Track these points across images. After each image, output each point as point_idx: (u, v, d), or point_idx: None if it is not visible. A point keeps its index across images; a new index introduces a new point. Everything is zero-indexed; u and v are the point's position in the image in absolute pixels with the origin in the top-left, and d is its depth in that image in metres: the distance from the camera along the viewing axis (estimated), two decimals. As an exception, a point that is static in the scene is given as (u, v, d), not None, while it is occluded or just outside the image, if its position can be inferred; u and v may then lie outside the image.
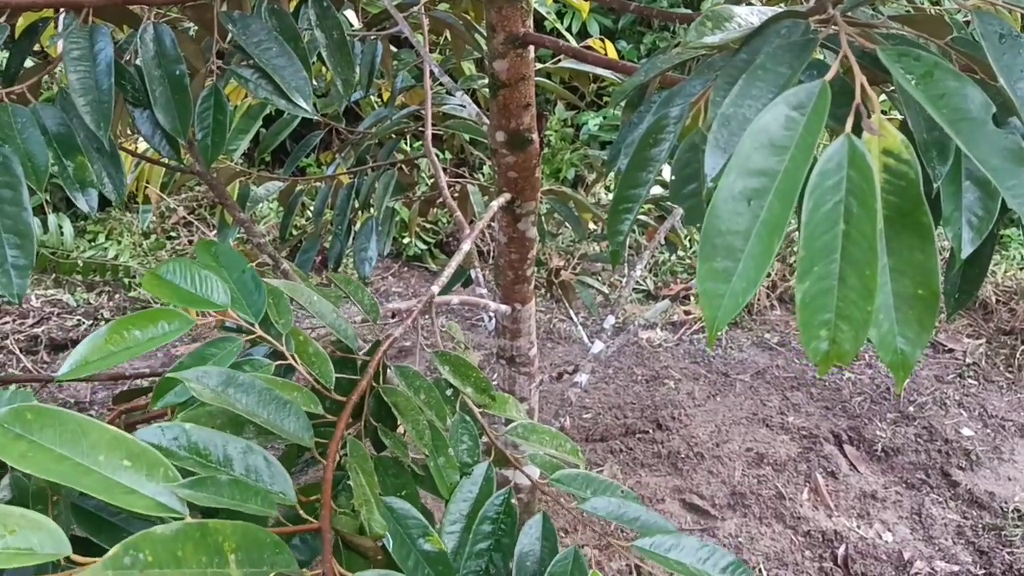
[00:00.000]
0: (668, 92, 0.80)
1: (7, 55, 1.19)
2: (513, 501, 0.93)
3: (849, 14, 0.78)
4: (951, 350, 3.37)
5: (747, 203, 0.53)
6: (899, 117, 0.71)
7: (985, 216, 0.71)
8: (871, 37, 0.65)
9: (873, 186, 0.49)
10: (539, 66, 2.06)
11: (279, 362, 0.93)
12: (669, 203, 2.13)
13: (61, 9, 1.14)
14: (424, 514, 0.84)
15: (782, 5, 1.87)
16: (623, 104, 1.10)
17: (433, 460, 0.93)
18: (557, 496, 1.06)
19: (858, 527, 2.50)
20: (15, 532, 0.54)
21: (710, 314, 0.54)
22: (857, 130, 0.52)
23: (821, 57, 0.73)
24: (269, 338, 0.93)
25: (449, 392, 1.02)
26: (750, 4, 1.71)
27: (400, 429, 0.93)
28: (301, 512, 0.75)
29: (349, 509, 0.80)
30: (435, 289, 1.15)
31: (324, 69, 2.12)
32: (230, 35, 1.15)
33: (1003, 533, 2.46)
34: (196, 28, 1.30)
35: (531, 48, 1.30)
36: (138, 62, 1.10)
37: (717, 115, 0.60)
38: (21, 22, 1.33)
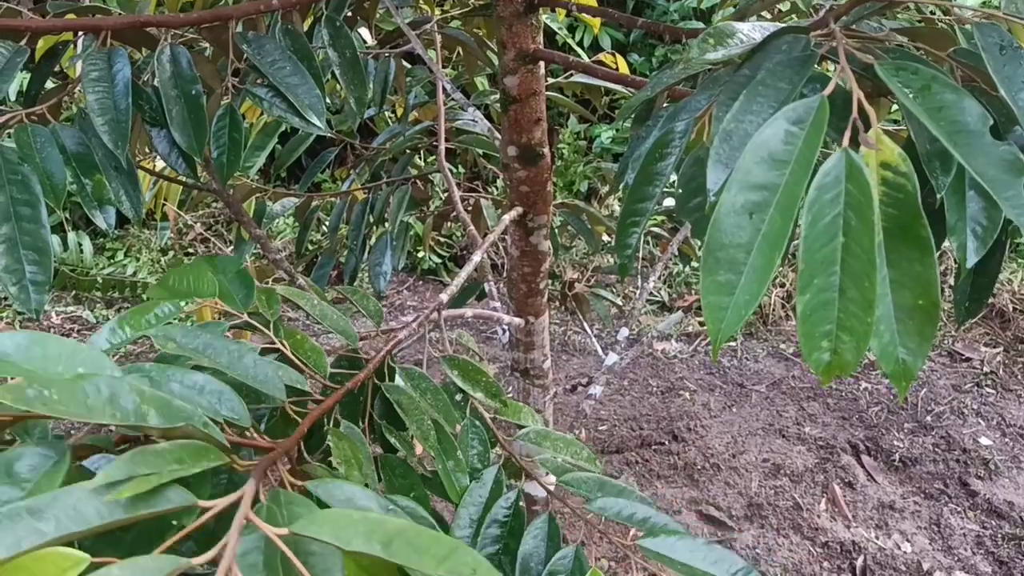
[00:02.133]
0: (674, 107, 0.81)
1: (28, 77, 1.21)
2: (522, 504, 0.93)
3: (853, 27, 0.79)
4: (968, 359, 3.36)
5: (748, 217, 0.54)
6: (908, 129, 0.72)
7: (989, 226, 0.71)
8: (871, 51, 0.66)
9: (871, 199, 0.50)
10: (551, 80, 2.08)
11: (266, 345, 0.92)
12: (681, 215, 2.14)
13: (80, 32, 1.17)
14: (435, 518, 0.84)
15: (793, 17, 1.88)
16: (632, 118, 1.11)
17: (441, 463, 0.93)
18: (564, 503, 1.06)
19: (876, 538, 2.48)
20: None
21: (714, 327, 0.55)
22: (855, 144, 0.53)
23: (830, 70, 0.74)
24: (255, 323, 0.93)
25: (459, 397, 1.02)
26: (762, 18, 1.73)
27: (409, 433, 0.93)
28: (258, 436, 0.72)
29: (326, 467, 0.79)
30: (443, 298, 1.16)
31: (338, 86, 2.15)
32: (245, 55, 1.17)
33: (1023, 543, 2.44)
34: (212, 49, 1.32)
35: (541, 64, 1.31)
36: (155, 83, 1.12)
37: (719, 130, 0.61)
38: (41, 45, 1.36)
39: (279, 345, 0.91)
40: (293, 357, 0.90)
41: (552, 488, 1.05)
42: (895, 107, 0.98)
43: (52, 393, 0.53)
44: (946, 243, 0.75)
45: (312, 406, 0.86)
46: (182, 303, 0.87)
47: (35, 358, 0.62)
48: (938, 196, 0.68)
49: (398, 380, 0.97)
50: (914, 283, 0.52)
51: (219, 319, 0.94)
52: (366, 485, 0.77)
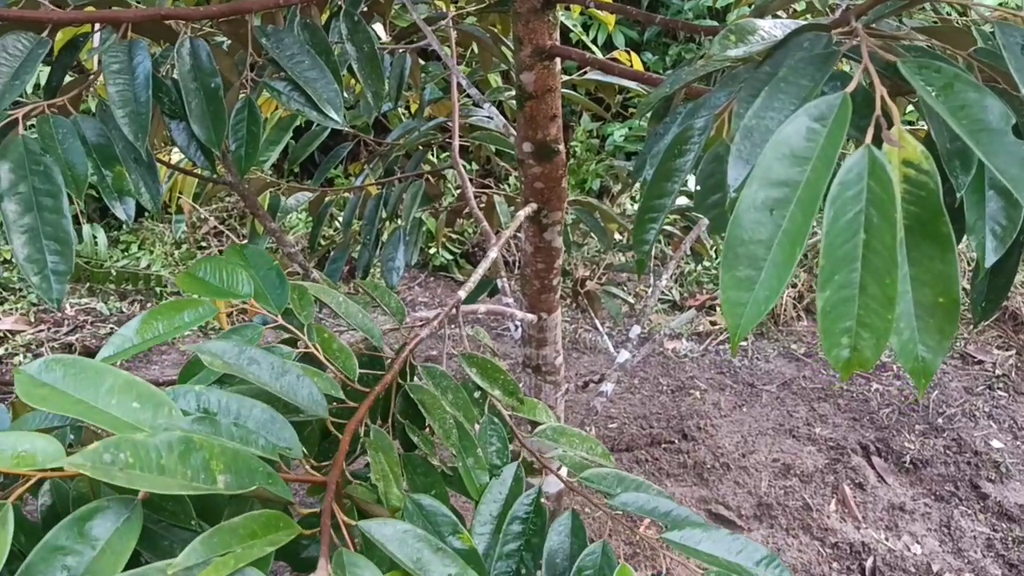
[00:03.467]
0: (693, 104, 0.81)
1: (49, 69, 1.22)
2: (543, 501, 0.94)
3: (873, 26, 0.79)
4: (980, 362, 3.34)
5: (769, 213, 0.55)
6: (927, 127, 0.72)
7: (1009, 225, 0.71)
8: (893, 49, 0.66)
9: (893, 196, 0.50)
10: (565, 78, 2.08)
11: (301, 350, 0.94)
12: (695, 213, 2.14)
13: (100, 24, 1.17)
14: (455, 515, 0.85)
15: (808, 17, 1.87)
16: (649, 115, 1.11)
17: (462, 460, 0.94)
18: (586, 499, 1.06)
19: (886, 539, 2.48)
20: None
21: (733, 322, 0.55)
22: (878, 141, 0.53)
23: (847, 69, 0.74)
24: (291, 327, 0.94)
25: (477, 394, 1.03)
26: (779, 16, 1.73)
27: (428, 430, 0.94)
28: (308, 470, 0.75)
29: (367, 484, 0.81)
30: (461, 294, 1.16)
31: (352, 81, 2.15)
32: (264, 49, 1.17)
33: (1034, 547, 2.44)
34: (231, 42, 1.33)
35: (557, 60, 1.32)
36: (175, 75, 1.13)
37: (740, 127, 0.61)
38: (61, 37, 1.37)
39: (311, 349, 0.93)
40: (325, 361, 0.92)
41: (568, 482, 1.05)
42: (910, 108, 0.98)
43: (128, 456, 0.55)
44: (961, 244, 0.75)
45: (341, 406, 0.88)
46: (218, 302, 0.88)
47: (87, 389, 0.64)
48: (958, 195, 0.68)
49: (419, 378, 0.98)
50: (935, 281, 0.52)
51: (240, 319, 0.95)
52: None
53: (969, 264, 3.33)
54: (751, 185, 0.55)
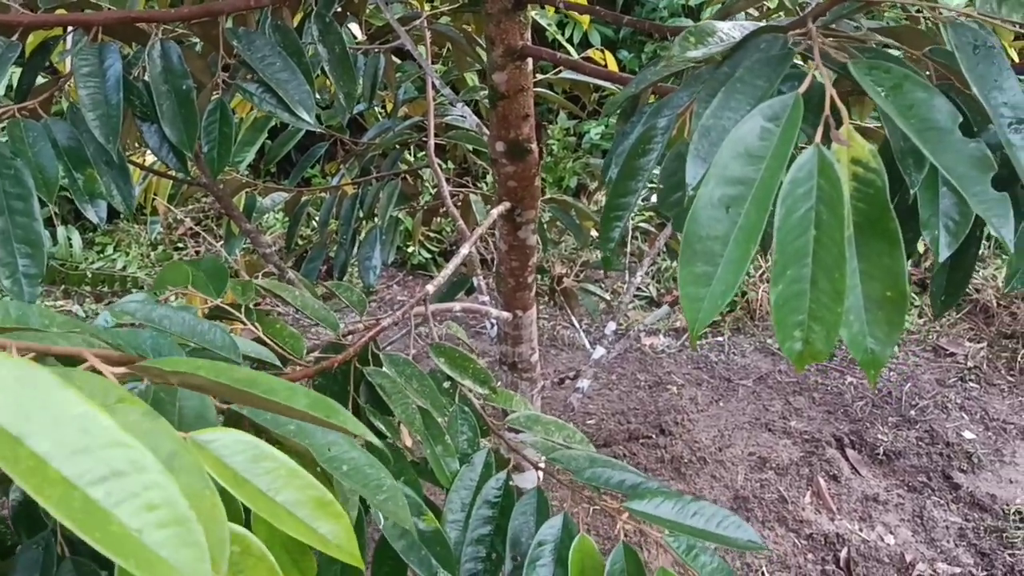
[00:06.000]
0: (657, 103, 0.83)
1: (19, 72, 1.22)
2: (512, 483, 0.94)
3: (832, 26, 0.81)
4: (952, 354, 3.39)
5: (725, 210, 0.56)
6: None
7: (962, 221, 0.73)
8: (847, 50, 0.68)
9: (842, 194, 0.52)
10: (540, 76, 2.10)
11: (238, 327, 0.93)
12: (668, 210, 2.16)
13: (71, 27, 1.17)
14: (429, 506, 0.85)
15: (780, 15, 1.89)
16: (617, 115, 1.13)
17: (430, 448, 0.93)
18: (564, 478, 1.06)
19: (860, 530, 2.51)
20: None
21: (691, 316, 0.57)
22: (827, 140, 0.55)
23: (814, 71, 0.75)
24: (227, 307, 0.94)
25: (447, 384, 1.03)
26: (749, 15, 1.74)
27: (396, 419, 0.94)
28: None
29: None
30: (430, 288, 1.17)
31: (328, 82, 2.16)
32: (235, 51, 1.18)
33: (1004, 535, 2.48)
34: (202, 44, 1.33)
35: (529, 60, 1.33)
36: (146, 78, 1.13)
37: (698, 126, 0.63)
38: (32, 40, 1.37)
39: (252, 328, 0.92)
40: (267, 339, 0.91)
41: (547, 470, 1.06)
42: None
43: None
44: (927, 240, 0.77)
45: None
46: (155, 293, 0.88)
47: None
48: (911, 192, 0.70)
49: (384, 368, 0.98)
50: (883, 275, 0.54)
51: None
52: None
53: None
54: (708, 183, 0.57)
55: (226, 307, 0.94)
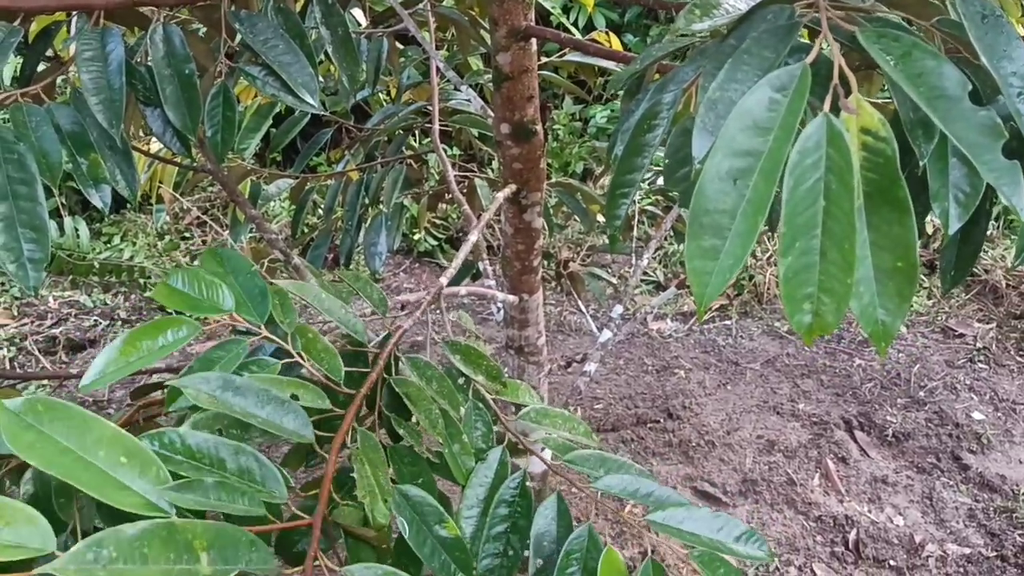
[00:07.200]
0: (662, 79, 0.82)
1: (22, 58, 1.22)
2: (528, 484, 0.95)
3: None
4: (961, 335, 3.38)
5: (733, 183, 0.56)
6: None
7: (972, 192, 0.73)
8: (855, 20, 0.67)
9: (851, 163, 0.51)
10: (545, 60, 2.08)
11: (286, 360, 0.95)
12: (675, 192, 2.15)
13: (73, 12, 1.17)
14: (441, 501, 0.87)
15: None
16: (623, 93, 1.12)
17: (448, 447, 0.95)
18: (570, 483, 1.08)
19: (869, 511, 2.51)
20: (10, 525, 0.57)
21: (699, 291, 0.56)
22: (836, 110, 0.54)
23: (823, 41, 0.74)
24: (275, 338, 0.96)
25: (461, 380, 1.04)
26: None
27: (414, 419, 0.95)
28: (295, 511, 0.77)
29: (353, 504, 0.83)
30: (443, 280, 1.17)
31: (333, 68, 2.15)
32: (238, 34, 1.17)
33: (1014, 515, 2.47)
34: (205, 28, 1.33)
35: (533, 41, 1.32)
36: (149, 62, 1.13)
37: (704, 99, 0.62)
38: (34, 27, 1.36)
39: (297, 359, 0.95)
40: (311, 369, 0.94)
41: (552, 464, 1.07)
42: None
43: (112, 551, 0.56)
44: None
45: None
46: (198, 321, 0.89)
47: (73, 437, 0.64)
48: (921, 163, 0.70)
49: (404, 369, 0.99)
50: (893, 245, 0.54)
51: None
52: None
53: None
54: (715, 156, 0.56)
55: (272, 338, 0.96)
